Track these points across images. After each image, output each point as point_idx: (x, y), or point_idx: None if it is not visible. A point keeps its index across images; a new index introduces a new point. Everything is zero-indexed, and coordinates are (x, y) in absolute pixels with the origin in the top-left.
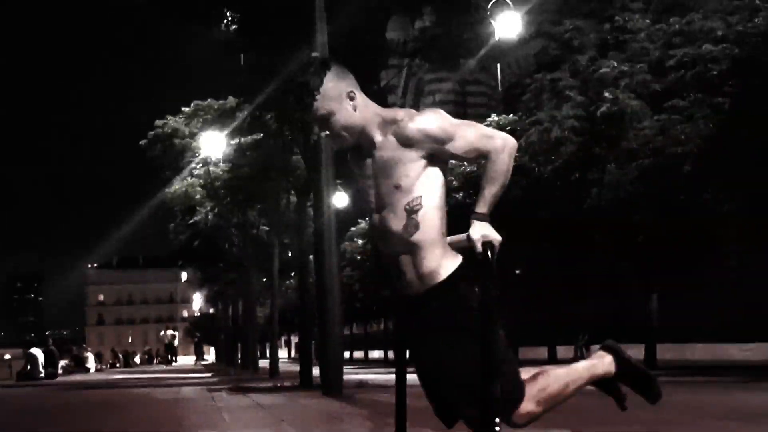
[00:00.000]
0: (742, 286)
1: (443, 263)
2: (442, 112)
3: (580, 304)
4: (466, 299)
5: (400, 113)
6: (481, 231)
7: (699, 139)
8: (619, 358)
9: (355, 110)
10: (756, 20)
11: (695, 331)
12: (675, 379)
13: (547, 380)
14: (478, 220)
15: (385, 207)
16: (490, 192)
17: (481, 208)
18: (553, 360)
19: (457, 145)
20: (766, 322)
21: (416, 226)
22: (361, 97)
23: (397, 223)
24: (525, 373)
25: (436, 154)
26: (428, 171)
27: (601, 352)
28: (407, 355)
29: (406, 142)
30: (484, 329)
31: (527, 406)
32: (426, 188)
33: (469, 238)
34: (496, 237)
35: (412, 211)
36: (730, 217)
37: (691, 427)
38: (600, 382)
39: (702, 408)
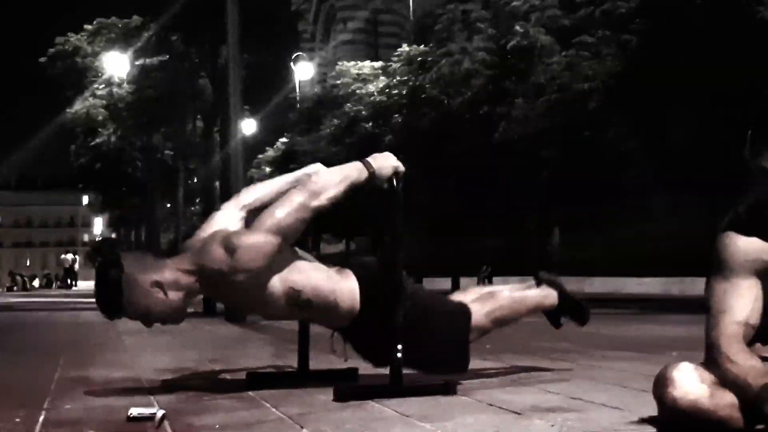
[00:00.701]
0: (640, 221)
1: (348, 295)
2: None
3: (483, 236)
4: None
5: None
6: (380, 161)
7: (605, 76)
8: (562, 293)
9: (165, 295)
10: None
11: (594, 265)
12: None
13: (499, 304)
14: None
15: (271, 314)
16: (352, 183)
17: (363, 175)
18: (456, 291)
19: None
20: (661, 257)
21: (308, 301)
22: (170, 274)
23: (293, 313)
24: (475, 293)
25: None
26: (275, 263)
27: (547, 287)
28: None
29: (243, 283)
30: (390, 256)
31: (479, 322)
32: (285, 272)
33: (369, 168)
34: (397, 164)
35: (294, 300)
36: (632, 154)
37: (585, 355)
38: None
39: (597, 338)
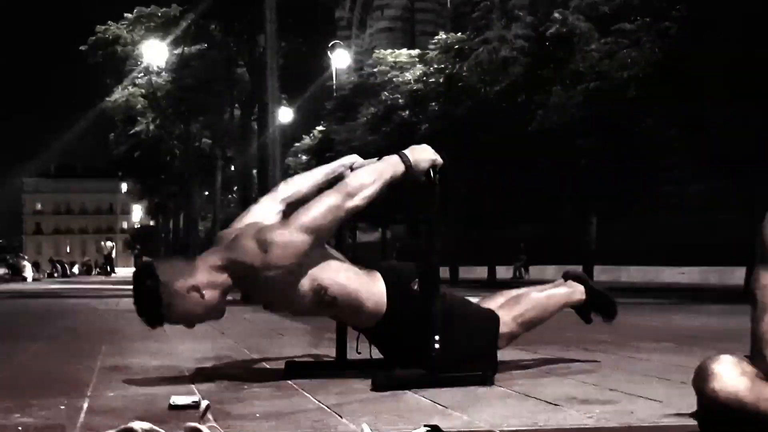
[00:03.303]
0: (679, 211)
1: (375, 296)
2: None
3: (519, 225)
4: (413, 314)
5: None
6: (417, 154)
7: (644, 64)
8: (590, 288)
9: (202, 297)
10: None
11: (631, 254)
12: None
13: (528, 305)
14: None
15: (296, 310)
16: (388, 179)
17: (398, 170)
18: (492, 280)
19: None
20: (699, 246)
21: (334, 299)
22: (203, 275)
23: (318, 310)
24: (503, 297)
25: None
26: (306, 260)
27: (574, 283)
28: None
29: (274, 279)
30: (427, 246)
31: (509, 327)
32: (314, 270)
33: (406, 161)
34: (434, 156)
35: (321, 297)
36: (671, 143)
37: (622, 346)
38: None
39: (634, 329)
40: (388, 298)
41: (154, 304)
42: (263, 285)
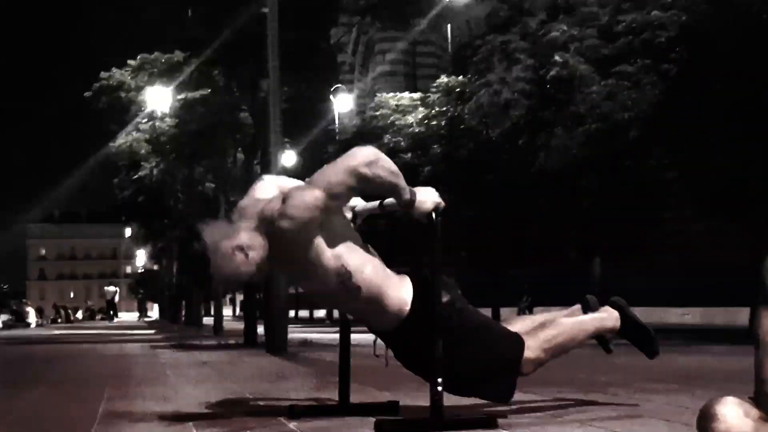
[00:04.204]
0: (682, 251)
1: (399, 299)
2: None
3: (523, 266)
4: (438, 319)
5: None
6: (423, 194)
7: (645, 105)
8: (625, 315)
9: (247, 257)
10: None
11: (635, 295)
12: (614, 342)
13: (556, 331)
14: (413, 191)
15: (321, 291)
16: (397, 186)
17: (406, 193)
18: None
19: (321, 189)
20: (705, 287)
21: (358, 288)
22: (245, 236)
23: (341, 297)
24: (530, 321)
25: (319, 215)
26: (329, 231)
27: (609, 308)
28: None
29: (287, 231)
30: (429, 287)
31: (535, 353)
32: (341, 249)
33: (413, 195)
34: (439, 200)
35: (344, 280)
36: (673, 184)
37: (627, 388)
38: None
39: (639, 370)
40: (413, 305)
41: (202, 265)
42: (280, 240)
